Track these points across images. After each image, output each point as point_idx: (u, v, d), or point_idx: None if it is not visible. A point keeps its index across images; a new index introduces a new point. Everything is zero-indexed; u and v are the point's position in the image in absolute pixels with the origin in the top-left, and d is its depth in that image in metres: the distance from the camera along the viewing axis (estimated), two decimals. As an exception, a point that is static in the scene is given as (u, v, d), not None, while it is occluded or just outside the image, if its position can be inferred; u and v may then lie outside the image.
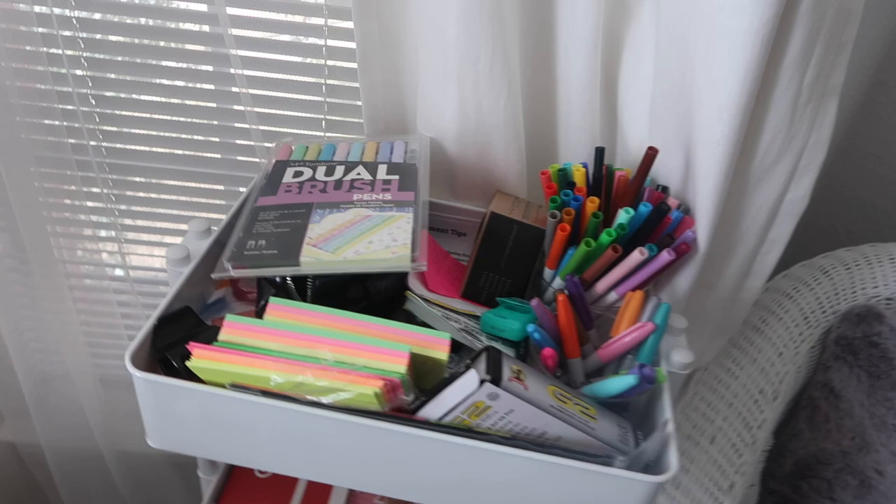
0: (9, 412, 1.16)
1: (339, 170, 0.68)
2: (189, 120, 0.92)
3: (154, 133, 0.92)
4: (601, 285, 0.66)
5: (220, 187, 0.97)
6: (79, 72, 0.86)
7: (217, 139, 0.93)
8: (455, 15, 0.66)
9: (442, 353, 0.53)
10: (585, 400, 0.56)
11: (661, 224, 0.67)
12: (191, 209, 0.99)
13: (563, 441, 0.53)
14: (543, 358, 0.58)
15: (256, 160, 0.93)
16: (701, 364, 0.85)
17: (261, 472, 0.86)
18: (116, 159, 0.93)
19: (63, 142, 0.89)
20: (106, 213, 0.97)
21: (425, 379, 0.54)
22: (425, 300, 0.63)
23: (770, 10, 0.54)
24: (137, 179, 0.96)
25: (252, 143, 0.91)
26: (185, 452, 0.58)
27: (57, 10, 0.81)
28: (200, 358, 0.50)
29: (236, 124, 0.91)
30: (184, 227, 1.00)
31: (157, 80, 0.88)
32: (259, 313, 0.60)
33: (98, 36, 0.84)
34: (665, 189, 0.71)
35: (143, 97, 0.90)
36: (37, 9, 0.81)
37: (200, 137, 0.93)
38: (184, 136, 0.93)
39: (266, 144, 0.88)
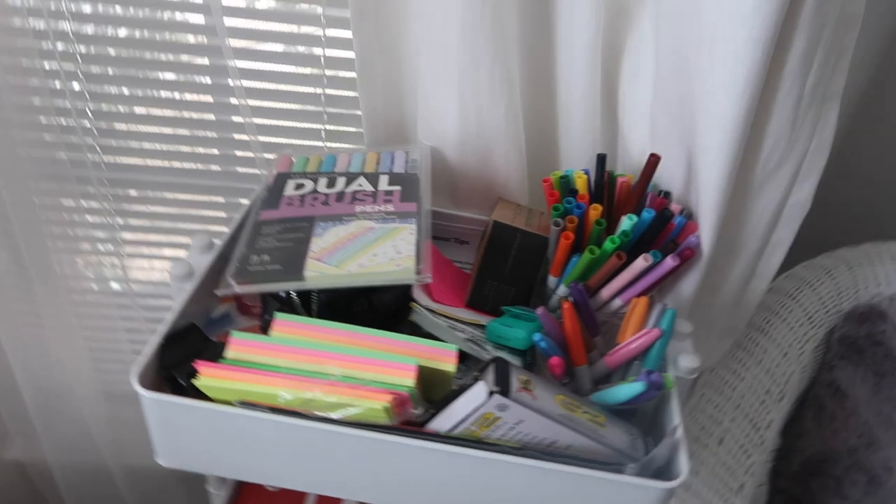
0: (15, 430, 1.16)
1: (341, 181, 0.68)
2: (188, 132, 0.92)
3: (153, 146, 0.92)
4: (606, 292, 0.66)
5: (221, 199, 0.97)
6: (76, 86, 0.86)
7: (216, 151, 0.93)
8: (455, 23, 0.67)
9: (449, 364, 0.53)
10: (594, 408, 0.56)
11: (664, 230, 0.67)
12: (191, 221, 0.99)
13: (573, 449, 0.53)
14: (551, 367, 0.57)
15: (256, 171, 0.93)
16: (707, 366, 0.85)
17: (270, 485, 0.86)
18: (115, 173, 0.93)
19: (61, 157, 0.89)
20: (106, 227, 0.97)
21: (433, 390, 0.54)
22: (430, 311, 0.63)
23: (771, 17, 0.54)
24: (137, 193, 0.95)
25: (252, 154, 0.91)
26: (195, 470, 0.58)
27: (53, 24, 0.81)
28: (208, 376, 0.50)
29: (235, 136, 0.91)
30: (185, 239, 1.00)
31: (155, 93, 0.88)
32: (264, 328, 0.60)
33: (94, 49, 0.84)
34: (667, 194, 0.71)
35: (140, 111, 0.90)
36: (32, 22, 0.81)
37: (200, 150, 0.93)
38: (183, 148, 0.92)
39: (266, 156, 0.88)
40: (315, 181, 0.69)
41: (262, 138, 0.87)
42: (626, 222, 0.64)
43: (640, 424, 0.60)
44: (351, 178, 0.69)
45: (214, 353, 0.53)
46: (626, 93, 0.74)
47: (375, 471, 0.53)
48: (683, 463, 0.53)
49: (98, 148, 0.90)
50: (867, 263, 0.96)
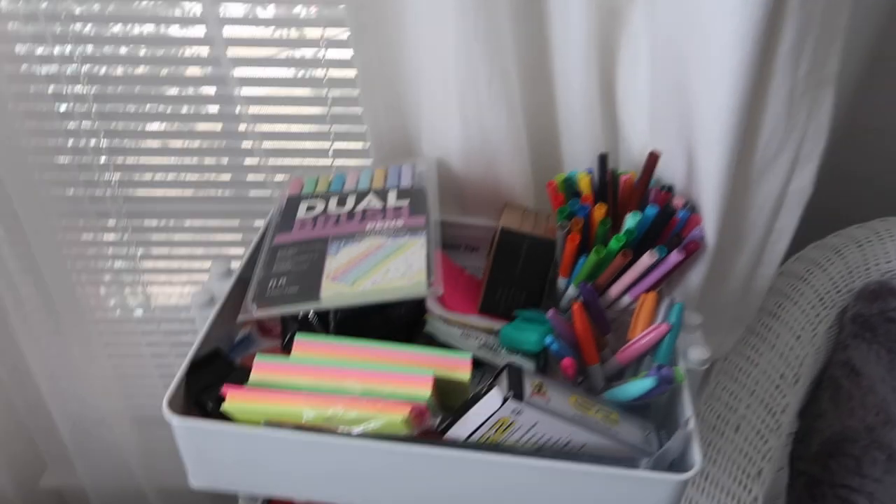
0: (52, 459, 1.19)
1: (351, 200, 0.70)
2: (200, 161, 0.94)
3: (166, 177, 0.95)
4: (614, 290, 0.67)
5: (236, 223, 1.00)
6: (89, 124, 0.89)
7: (228, 177, 0.96)
8: (451, 35, 0.68)
9: (464, 373, 0.55)
10: (607, 405, 0.58)
11: (668, 224, 0.68)
12: (208, 246, 1.02)
13: (589, 448, 0.55)
14: (563, 368, 0.59)
15: (268, 193, 0.95)
16: (720, 354, 0.86)
17: (300, 496, 0.88)
18: (133, 206, 0.96)
19: (80, 194, 0.92)
20: (127, 257, 1.00)
21: (451, 397, 0.56)
22: (444, 321, 0.65)
23: (759, 10, 0.55)
24: (154, 223, 0.98)
25: (262, 177, 0.93)
26: (227, 489, 0.60)
27: (64, 69, 0.84)
28: (234, 400, 0.53)
29: (246, 160, 0.94)
30: (202, 264, 1.03)
31: (166, 126, 0.90)
32: (285, 347, 0.62)
33: (105, 90, 0.87)
34: (670, 188, 0.73)
35: (153, 143, 0.92)
36: (45, 69, 0.84)
37: (212, 176, 0.95)
38: (195, 176, 0.95)
39: (277, 178, 0.90)
40: (326, 201, 0.71)
41: (271, 161, 0.90)
42: (631, 220, 0.65)
43: (655, 418, 0.61)
44: (360, 195, 0.71)
45: (239, 376, 0.56)
46: (623, 91, 0.75)
47: (398, 481, 0.55)
48: (697, 454, 0.54)
49: (115, 182, 0.93)
50: (876, 240, 0.96)
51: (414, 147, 0.84)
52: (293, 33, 0.86)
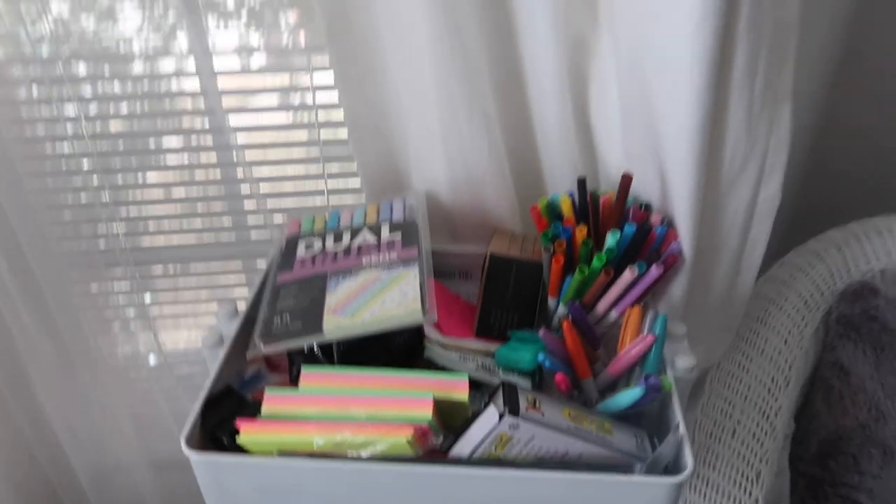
0: (72, 505, 1.22)
1: (346, 236, 0.74)
2: (203, 208, 0.99)
3: (171, 225, 0.99)
4: (601, 306, 0.71)
5: (238, 264, 1.04)
6: (92, 179, 0.93)
7: (229, 221, 1.00)
8: (431, 79, 0.73)
9: (462, 394, 0.58)
10: (600, 416, 0.61)
11: (647, 240, 0.72)
12: (213, 289, 1.06)
13: (585, 457, 0.58)
14: (556, 383, 0.62)
15: (268, 233, 0.99)
16: (712, 362, 0.90)
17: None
18: (140, 255, 1.00)
19: (89, 246, 0.96)
20: (136, 304, 1.03)
21: (452, 418, 0.59)
22: (442, 346, 0.68)
23: (711, 35, 0.60)
24: (161, 270, 1.02)
25: (262, 220, 0.98)
26: (246, 519, 0.63)
27: (71, 129, 0.89)
28: (248, 432, 0.56)
29: (245, 204, 0.98)
30: (209, 307, 1.07)
31: (168, 175, 0.95)
32: (293, 381, 0.66)
33: (108, 146, 0.92)
34: (648, 206, 0.76)
35: (158, 193, 0.97)
36: (50, 130, 0.89)
37: (213, 221, 1.00)
38: (198, 222, 1.00)
39: (276, 219, 0.95)
40: (323, 239, 0.75)
41: (269, 203, 0.94)
42: (611, 239, 0.69)
43: (648, 426, 0.64)
44: (355, 231, 0.75)
45: (251, 410, 0.59)
46: (596, 116, 0.80)
47: (408, 500, 0.58)
48: (688, 457, 0.57)
49: (121, 234, 0.98)
50: (855, 242, 1.00)
51: (403, 182, 0.88)
52: (283, 80, 0.90)
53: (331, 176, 0.95)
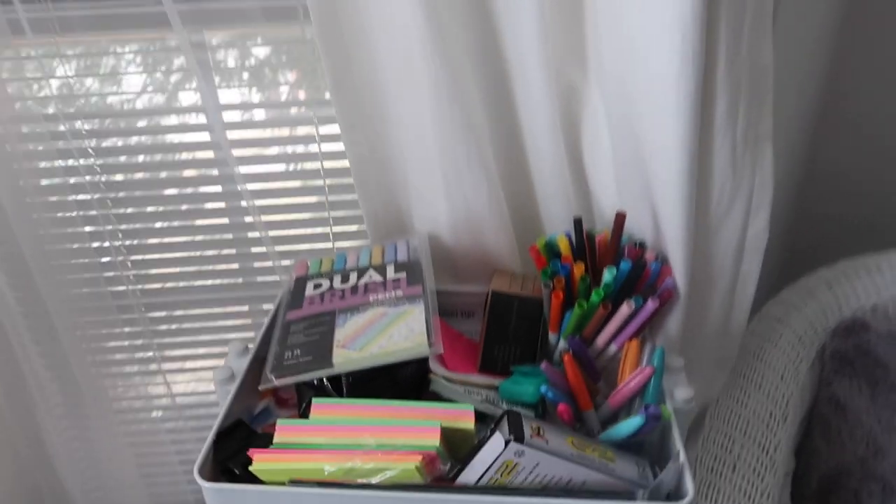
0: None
1: (353, 276, 0.77)
2: (215, 253, 1.02)
3: (182, 270, 1.02)
4: (600, 340, 0.73)
5: (245, 308, 1.07)
6: (110, 227, 0.97)
7: (237, 265, 1.03)
8: (431, 128, 0.77)
9: (468, 423, 0.60)
10: (602, 445, 0.62)
11: (643, 276, 0.75)
12: (219, 332, 1.08)
13: (589, 485, 0.59)
14: (559, 413, 0.64)
15: (275, 278, 1.02)
16: (710, 398, 0.91)
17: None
18: (150, 298, 1.02)
19: (101, 290, 0.99)
20: (145, 347, 1.05)
21: (458, 447, 0.61)
22: (447, 379, 0.70)
23: (692, 83, 0.65)
24: (169, 314, 1.05)
25: (270, 264, 1.01)
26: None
27: (86, 178, 0.93)
28: (261, 461, 0.57)
29: (253, 249, 1.01)
30: (215, 349, 1.09)
31: (179, 222, 0.99)
32: (302, 416, 0.67)
33: (123, 194, 0.96)
34: (642, 244, 0.80)
35: (171, 239, 1.00)
36: (72, 180, 0.93)
37: (222, 266, 1.03)
38: (208, 267, 1.03)
39: (283, 263, 0.98)
40: (331, 279, 0.77)
41: (277, 248, 0.97)
42: (607, 275, 0.72)
43: (649, 456, 0.66)
44: (361, 271, 0.78)
45: (261, 443, 0.60)
46: (590, 160, 0.84)
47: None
48: (689, 484, 0.59)
49: (132, 277, 1.01)
50: (845, 280, 1.03)
51: (406, 225, 0.91)
52: (289, 132, 0.95)
53: (336, 222, 0.99)
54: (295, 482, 0.58)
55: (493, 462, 0.57)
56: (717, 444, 0.87)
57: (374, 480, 0.56)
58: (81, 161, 0.92)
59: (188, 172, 0.97)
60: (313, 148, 0.95)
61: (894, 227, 1.16)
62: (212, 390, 1.12)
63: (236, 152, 0.93)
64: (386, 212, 0.90)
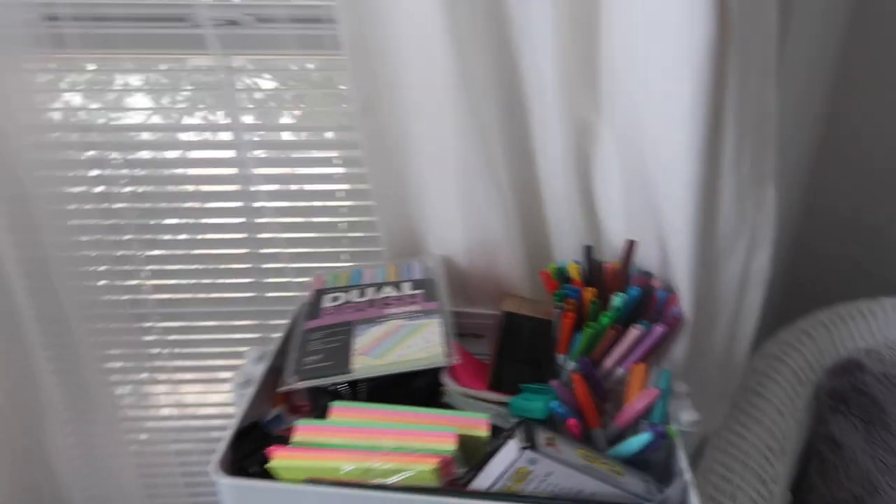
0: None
1: (370, 291, 0.80)
2: (227, 267, 1.04)
3: (198, 283, 1.05)
4: (608, 362, 0.76)
5: (255, 322, 1.09)
6: (127, 236, 0.99)
7: (249, 280, 1.05)
8: (452, 157, 0.81)
9: (482, 431, 0.62)
10: (611, 459, 0.64)
11: (650, 304, 0.78)
12: (230, 345, 1.09)
13: (598, 496, 0.61)
14: (569, 427, 0.66)
15: (285, 294, 1.04)
16: (711, 429, 0.93)
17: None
18: (165, 308, 1.04)
19: (119, 299, 1.01)
20: (157, 357, 1.07)
21: (470, 455, 0.62)
22: (459, 394, 0.72)
23: (703, 123, 0.69)
24: (182, 324, 1.07)
25: (285, 280, 1.03)
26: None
27: (116, 190, 0.96)
28: (280, 458, 0.59)
29: (265, 265, 1.04)
30: (223, 361, 1.10)
31: (199, 235, 1.02)
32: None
33: (148, 204, 0.99)
34: (649, 274, 0.83)
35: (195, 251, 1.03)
36: (97, 189, 0.96)
37: (235, 280, 1.05)
38: (219, 281, 1.05)
39: (298, 280, 1.00)
40: (348, 293, 0.80)
41: (292, 265, 1.00)
42: (617, 299, 0.75)
43: (654, 475, 0.67)
44: (378, 287, 0.80)
45: (275, 445, 0.62)
46: (600, 192, 0.87)
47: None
48: (695, 501, 0.60)
49: (149, 286, 1.03)
50: (841, 322, 1.06)
51: (420, 247, 0.94)
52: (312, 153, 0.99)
53: (351, 242, 1.02)
54: (311, 481, 0.59)
55: (507, 469, 0.59)
56: (717, 475, 0.89)
57: (390, 481, 0.58)
58: (109, 171, 0.95)
59: (209, 187, 1.00)
60: (335, 170, 0.98)
61: (890, 268, 1.20)
62: (217, 402, 1.13)
63: (259, 171, 0.96)
64: (402, 234, 0.92)
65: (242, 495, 0.60)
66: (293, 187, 1.00)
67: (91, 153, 0.94)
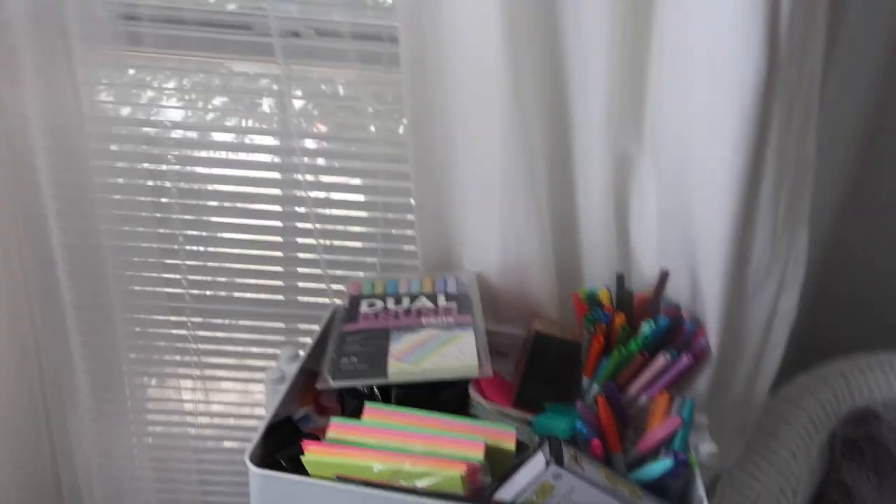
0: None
1: (406, 301, 0.82)
2: (261, 268, 1.07)
3: (228, 279, 1.08)
4: (633, 389, 0.77)
5: (281, 325, 1.11)
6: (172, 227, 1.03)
7: (282, 283, 1.08)
8: (498, 177, 0.83)
9: (510, 443, 0.64)
10: (631, 483, 0.66)
11: (678, 334, 0.79)
12: (257, 345, 1.12)
13: (619, 517, 0.62)
14: (592, 448, 0.68)
15: (315, 299, 1.07)
16: (725, 466, 0.94)
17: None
18: (202, 304, 1.08)
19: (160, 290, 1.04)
20: (187, 352, 1.09)
21: (496, 467, 0.64)
22: (486, 408, 0.74)
23: (746, 162, 0.71)
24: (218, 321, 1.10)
25: (322, 285, 1.06)
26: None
27: (164, 185, 1.00)
28: (313, 452, 0.61)
29: (299, 270, 1.07)
30: (250, 361, 1.13)
31: (239, 235, 1.05)
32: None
33: (191, 201, 1.02)
34: (678, 306, 0.85)
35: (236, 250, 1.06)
36: (150, 182, 0.99)
37: (268, 282, 1.08)
38: (250, 280, 1.08)
39: (333, 286, 1.03)
40: (384, 301, 0.82)
41: (329, 271, 1.03)
42: (646, 327, 0.77)
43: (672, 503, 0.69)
44: (413, 297, 0.83)
45: (306, 440, 0.64)
46: (635, 224, 0.89)
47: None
48: (713, 528, 0.62)
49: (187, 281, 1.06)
50: (859, 373, 1.07)
51: (454, 263, 0.96)
52: (357, 165, 1.02)
53: (384, 254, 1.05)
54: (341, 478, 0.61)
55: (532, 482, 0.60)
56: (729, 512, 0.90)
57: (418, 484, 0.59)
58: (164, 167, 0.99)
59: (251, 189, 1.04)
60: (380, 182, 1.01)
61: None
62: (240, 402, 1.15)
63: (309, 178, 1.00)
64: (439, 248, 0.95)
65: (272, 488, 0.62)
66: (334, 195, 1.04)
67: (144, 147, 0.98)
